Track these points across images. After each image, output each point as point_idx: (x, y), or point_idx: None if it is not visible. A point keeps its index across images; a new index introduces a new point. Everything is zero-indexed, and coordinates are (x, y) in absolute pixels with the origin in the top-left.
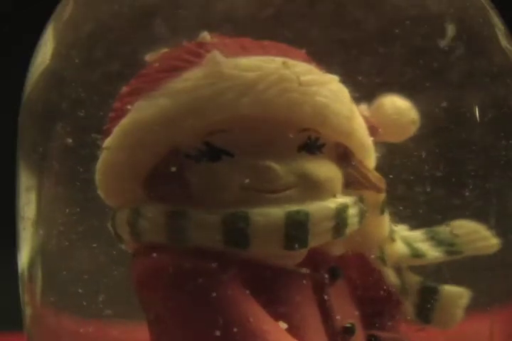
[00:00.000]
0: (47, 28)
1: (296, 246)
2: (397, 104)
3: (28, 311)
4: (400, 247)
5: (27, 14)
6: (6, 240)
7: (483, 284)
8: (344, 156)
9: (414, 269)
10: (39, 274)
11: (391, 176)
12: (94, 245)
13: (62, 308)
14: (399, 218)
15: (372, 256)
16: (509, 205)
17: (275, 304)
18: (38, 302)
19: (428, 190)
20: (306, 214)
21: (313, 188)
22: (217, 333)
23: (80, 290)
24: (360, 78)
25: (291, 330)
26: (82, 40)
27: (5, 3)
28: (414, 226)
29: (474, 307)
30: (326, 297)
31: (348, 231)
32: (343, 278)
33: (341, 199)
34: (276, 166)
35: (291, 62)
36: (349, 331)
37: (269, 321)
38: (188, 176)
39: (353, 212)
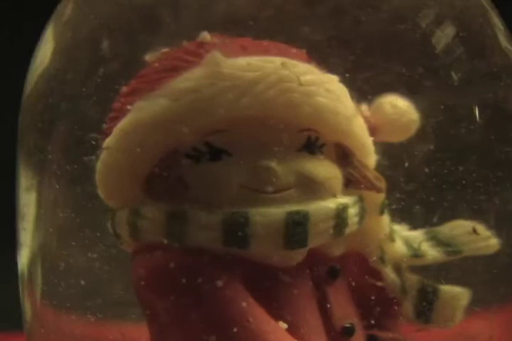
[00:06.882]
0: (47, 28)
1: (296, 246)
2: (397, 104)
3: (28, 311)
4: (399, 247)
5: (27, 14)
6: (6, 240)
7: (483, 284)
8: (344, 156)
9: (414, 269)
10: (39, 274)
11: (391, 176)
12: (94, 245)
13: (62, 308)
14: (399, 218)
15: (372, 256)
16: (509, 205)
17: (275, 304)
18: (38, 302)
19: (428, 190)
20: (306, 214)
21: (313, 188)
22: (217, 333)
23: (79, 291)
24: (360, 78)
25: (291, 330)
26: (82, 40)
27: (5, 3)
28: (414, 226)
29: (474, 307)
30: (325, 297)
31: (348, 231)
32: (342, 277)
33: (341, 199)
34: (275, 166)
35: (290, 62)
36: (349, 331)
37: (268, 321)
38: (187, 176)
39: (353, 211)
